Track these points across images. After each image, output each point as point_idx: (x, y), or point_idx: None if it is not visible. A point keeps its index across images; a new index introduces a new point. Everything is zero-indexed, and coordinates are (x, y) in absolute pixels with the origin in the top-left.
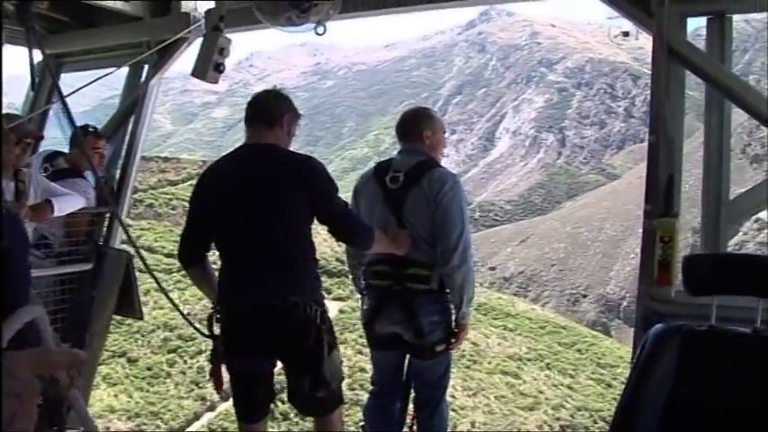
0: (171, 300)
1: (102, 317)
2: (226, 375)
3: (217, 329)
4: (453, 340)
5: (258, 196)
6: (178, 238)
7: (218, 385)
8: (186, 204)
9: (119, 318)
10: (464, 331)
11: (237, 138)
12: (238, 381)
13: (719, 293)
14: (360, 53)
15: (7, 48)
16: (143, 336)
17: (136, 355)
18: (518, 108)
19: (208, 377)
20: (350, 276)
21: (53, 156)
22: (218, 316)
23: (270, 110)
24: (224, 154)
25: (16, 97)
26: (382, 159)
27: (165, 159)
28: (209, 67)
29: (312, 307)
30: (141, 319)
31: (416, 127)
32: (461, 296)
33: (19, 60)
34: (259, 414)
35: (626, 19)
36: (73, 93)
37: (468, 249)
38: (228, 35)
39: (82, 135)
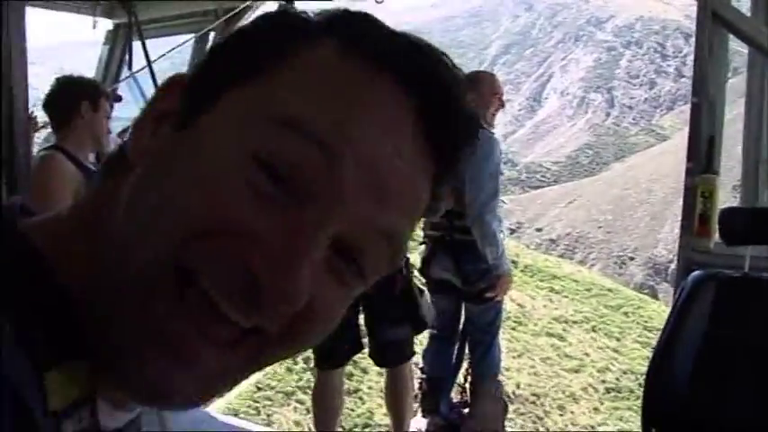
0: None
1: None
2: None
3: None
4: (492, 291)
5: None
6: None
7: None
8: None
9: None
10: (500, 282)
11: None
12: None
13: (753, 243)
14: (406, 12)
15: (65, 15)
16: None
17: None
18: (566, 68)
19: None
20: None
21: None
22: None
23: None
24: None
25: (72, 64)
26: None
27: None
28: None
29: None
30: None
31: None
32: (483, 250)
33: (75, 28)
34: (338, 362)
35: None
36: (158, 59)
37: (485, 206)
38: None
39: None
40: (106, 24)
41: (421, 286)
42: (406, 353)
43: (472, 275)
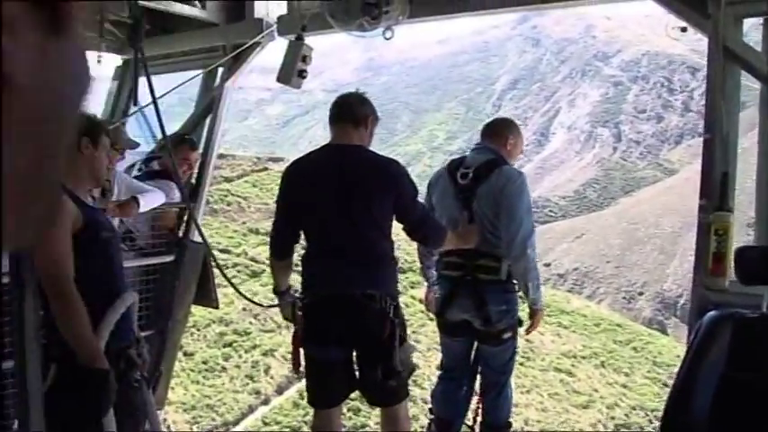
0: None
1: (183, 305)
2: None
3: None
4: (529, 326)
5: (347, 195)
6: (233, 234)
7: (295, 366)
8: (241, 201)
9: None
10: (538, 316)
11: (291, 134)
12: (313, 367)
13: None
14: (412, 48)
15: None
16: (199, 330)
17: (192, 348)
18: (573, 102)
19: (289, 357)
20: (419, 266)
21: (150, 159)
22: (300, 304)
23: (356, 110)
24: (308, 152)
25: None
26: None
27: (221, 156)
28: (293, 73)
29: (387, 300)
30: (217, 307)
31: (504, 130)
32: (526, 284)
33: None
34: (332, 401)
35: (681, 20)
36: (166, 93)
37: (527, 241)
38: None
39: (176, 144)
40: (115, 60)
41: (403, 335)
42: (400, 395)
43: (494, 316)
